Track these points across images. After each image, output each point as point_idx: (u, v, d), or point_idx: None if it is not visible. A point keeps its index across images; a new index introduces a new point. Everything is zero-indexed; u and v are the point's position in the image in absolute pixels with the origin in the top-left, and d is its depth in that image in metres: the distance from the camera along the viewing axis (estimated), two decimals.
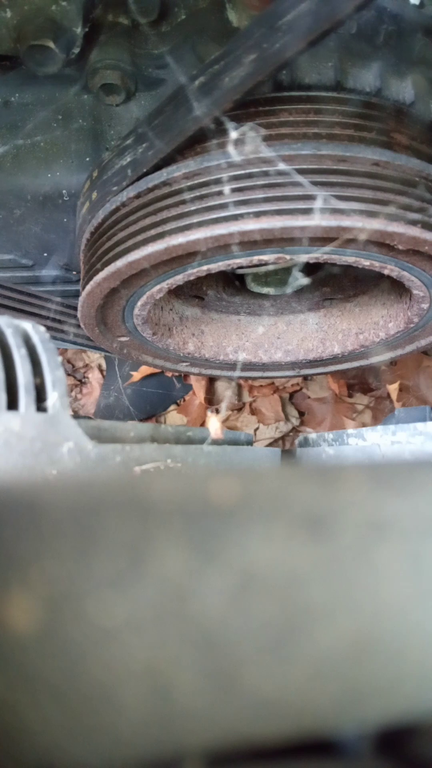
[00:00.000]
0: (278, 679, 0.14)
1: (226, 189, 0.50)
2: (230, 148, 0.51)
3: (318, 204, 0.49)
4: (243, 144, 0.50)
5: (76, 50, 0.56)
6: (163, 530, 0.14)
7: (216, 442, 0.47)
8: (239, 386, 1.29)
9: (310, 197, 0.49)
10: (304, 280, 0.77)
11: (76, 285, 0.79)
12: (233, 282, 0.82)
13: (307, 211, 0.49)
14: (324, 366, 0.89)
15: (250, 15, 0.56)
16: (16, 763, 0.13)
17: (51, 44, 0.53)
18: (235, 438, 0.53)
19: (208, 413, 1.21)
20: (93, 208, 0.60)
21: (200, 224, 0.51)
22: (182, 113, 0.50)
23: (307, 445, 0.61)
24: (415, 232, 0.51)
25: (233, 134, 0.50)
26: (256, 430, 1.25)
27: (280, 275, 0.78)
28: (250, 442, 0.55)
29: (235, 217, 0.50)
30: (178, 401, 1.29)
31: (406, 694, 0.15)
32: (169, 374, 1.28)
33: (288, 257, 0.57)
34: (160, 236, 0.53)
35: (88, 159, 0.63)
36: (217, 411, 1.25)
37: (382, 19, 0.55)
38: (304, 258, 0.58)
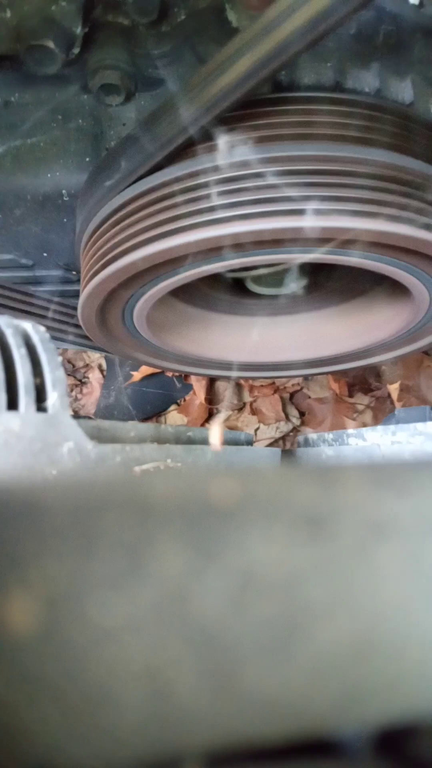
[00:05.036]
0: (278, 679, 0.14)
1: (221, 191, 0.50)
2: (227, 151, 0.51)
3: (314, 205, 0.49)
4: (237, 146, 0.51)
5: (76, 50, 0.56)
6: (163, 530, 0.14)
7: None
8: (239, 386, 1.29)
9: (307, 198, 0.49)
10: (304, 281, 0.77)
11: (76, 285, 0.79)
12: (233, 282, 0.82)
13: (303, 212, 0.49)
14: (324, 366, 0.89)
15: (250, 15, 0.56)
16: (16, 763, 0.13)
17: (51, 44, 0.53)
18: (235, 438, 0.53)
19: (213, 420, 1.21)
20: (92, 210, 0.60)
21: (194, 226, 0.51)
22: (177, 116, 0.50)
23: (307, 445, 0.61)
24: (414, 232, 0.51)
25: (231, 136, 0.50)
26: (256, 430, 1.25)
27: (280, 276, 0.78)
28: (250, 442, 0.55)
29: (230, 219, 0.50)
30: (179, 401, 1.29)
31: (407, 693, 0.15)
32: (170, 374, 1.28)
33: (286, 258, 0.58)
34: (157, 238, 0.53)
35: (87, 159, 0.63)
36: (218, 410, 1.25)
37: (381, 19, 0.55)
38: (302, 259, 0.58)
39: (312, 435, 0.60)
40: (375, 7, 0.54)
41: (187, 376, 1.28)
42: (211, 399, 1.27)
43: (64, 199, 0.65)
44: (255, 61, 0.44)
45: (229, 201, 0.50)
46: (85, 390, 1.32)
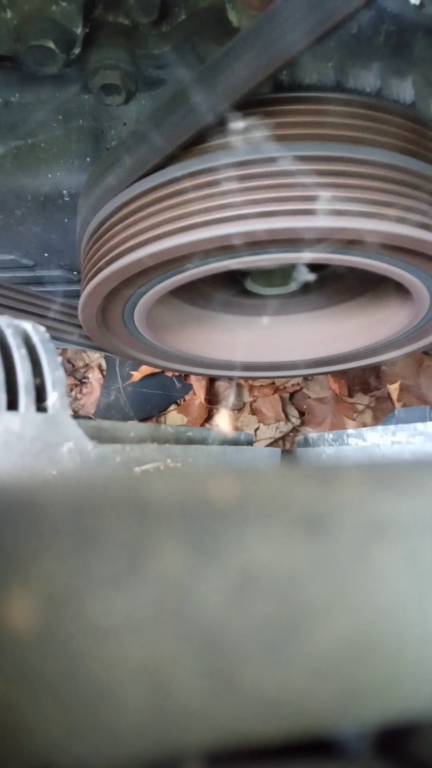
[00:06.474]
0: (277, 678, 0.14)
1: (230, 188, 0.50)
2: (233, 148, 0.51)
3: (322, 205, 0.49)
4: (246, 143, 0.51)
5: (77, 50, 0.56)
6: (163, 530, 0.14)
7: (222, 440, 0.47)
8: (239, 386, 1.29)
9: (314, 198, 0.49)
10: (306, 281, 0.77)
11: (78, 285, 0.79)
12: (234, 282, 0.82)
13: (310, 212, 0.49)
14: (325, 366, 0.89)
15: (250, 15, 0.56)
16: (16, 762, 0.13)
17: (51, 44, 0.53)
18: (235, 438, 0.53)
19: (220, 411, 1.21)
20: (94, 208, 0.60)
21: (203, 224, 0.51)
22: (184, 113, 0.50)
23: (307, 445, 0.61)
24: (419, 233, 0.51)
25: (237, 134, 0.50)
26: (256, 430, 1.25)
27: (282, 275, 0.78)
28: (250, 442, 0.55)
29: (238, 217, 0.50)
30: (178, 401, 1.29)
31: (406, 692, 0.15)
32: (169, 374, 1.28)
33: (291, 257, 0.58)
34: (163, 236, 0.53)
35: (88, 159, 0.63)
36: (218, 410, 1.25)
37: (382, 19, 0.55)
38: (306, 258, 0.58)
39: (312, 435, 0.60)
40: (376, 7, 0.55)
41: (186, 376, 1.28)
42: (211, 399, 1.27)
43: (65, 199, 0.65)
44: (260, 57, 0.44)
45: (239, 200, 0.50)
46: (85, 390, 1.32)
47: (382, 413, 1.22)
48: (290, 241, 0.53)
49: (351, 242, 0.53)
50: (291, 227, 0.49)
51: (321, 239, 0.52)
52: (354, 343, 0.83)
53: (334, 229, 0.50)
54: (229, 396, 1.21)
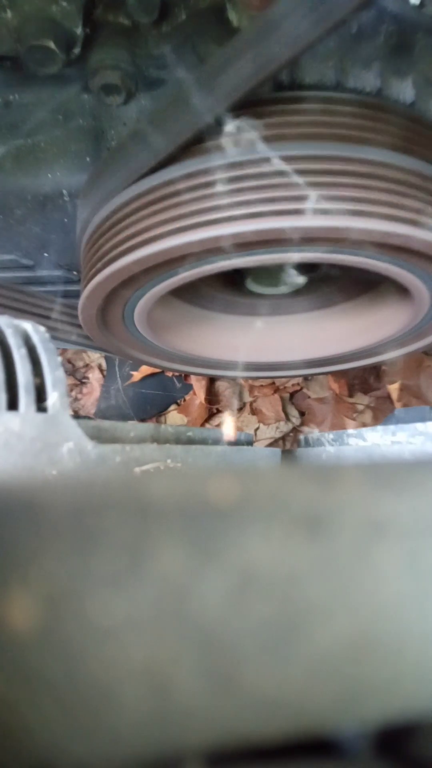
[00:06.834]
0: (277, 677, 0.14)
1: (224, 190, 0.50)
2: (229, 149, 0.51)
3: (317, 205, 0.49)
4: (241, 144, 0.51)
5: (77, 50, 0.56)
6: (163, 530, 0.14)
7: (222, 441, 0.47)
8: (239, 386, 1.29)
9: (309, 198, 0.49)
10: (304, 280, 0.77)
11: (78, 285, 0.79)
12: (235, 282, 0.83)
13: (305, 212, 0.49)
14: (325, 366, 0.89)
15: (250, 15, 0.56)
16: (16, 762, 0.13)
17: (51, 44, 0.53)
18: (235, 438, 0.53)
19: (226, 415, 1.21)
20: (93, 209, 0.60)
21: (197, 225, 0.51)
22: (182, 113, 0.50)
23: (308, 445, 0.61)
24: (415, 232, 0.51)
25: (232, 135, 0.50)
26: (256, 430, 1.25)
27: (280, 275, 0.78)
28: (250, 442, 0.55)
29: (231, 219, 0.50)
30: (178, 401, 1.29)
31: (405, 692, 0.15)
32: (169, 374, 1.28)
33: (290, 257, 0.58)
34: (159, 237, 0.53)
35: (88, 159, 0.63)
36: (219, 410, 1.25)
37: (382, 19, 0.55)
38: (303, 258, 0.58)
39: (312, 435, 0.60)
40: (376, 7, 0.55)
41: (187, 376, 1.28)
42: (211, 399, 1.27)
43: (65, 199, 0.65)
44: (260, 57, 0.44)
45: (233, 200, 0.50)
46: (85, 390, 1.32)
47: (382, 413, 1.22)
48: (289, 241, 0.53)
49: (347, 242, 0.53)
50: (283, 227, 0.50)
51: (318, 239, 0.52)
52: (354, 343, 0.83)
53: (329, 229, 0.50)
54: (232, 400, 1.21)
